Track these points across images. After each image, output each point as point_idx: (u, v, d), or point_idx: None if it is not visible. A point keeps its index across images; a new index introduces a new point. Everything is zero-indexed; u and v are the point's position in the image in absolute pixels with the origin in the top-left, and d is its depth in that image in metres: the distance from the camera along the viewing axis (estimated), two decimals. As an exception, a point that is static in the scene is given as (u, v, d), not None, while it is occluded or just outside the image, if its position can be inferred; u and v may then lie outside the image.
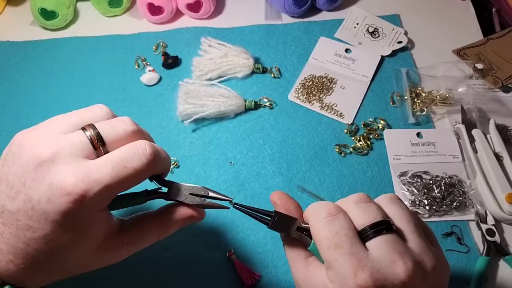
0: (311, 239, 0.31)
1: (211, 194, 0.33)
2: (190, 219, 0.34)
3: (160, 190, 0.33)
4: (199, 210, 0.34)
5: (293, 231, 0.32)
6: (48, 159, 0.28)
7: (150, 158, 0.30)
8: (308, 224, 0.31)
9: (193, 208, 0.33)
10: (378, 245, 0.28)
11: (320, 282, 0.29)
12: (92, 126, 0.30)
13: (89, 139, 0.29)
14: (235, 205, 0.33)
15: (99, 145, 0.29)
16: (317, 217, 0.30)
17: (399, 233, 0.29)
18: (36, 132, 0.30)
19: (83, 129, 0.30)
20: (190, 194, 0.33)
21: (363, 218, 0.29)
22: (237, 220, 0.49)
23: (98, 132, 0.30)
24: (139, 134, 0.32)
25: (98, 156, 0.29)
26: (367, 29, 0.66)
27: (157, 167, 0.31)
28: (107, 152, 0.30)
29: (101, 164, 0.28)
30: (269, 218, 0.32)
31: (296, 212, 0.34)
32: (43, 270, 0.30)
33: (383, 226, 0.29)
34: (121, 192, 0.30)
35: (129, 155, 0.29)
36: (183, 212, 0.33)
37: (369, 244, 0.28)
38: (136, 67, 0.63)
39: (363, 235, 0.29)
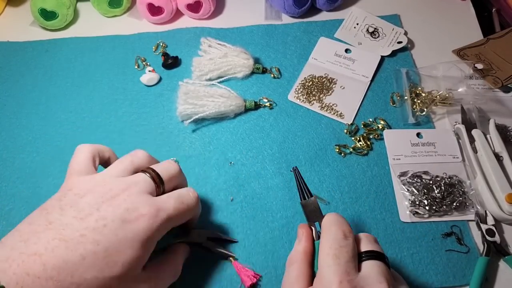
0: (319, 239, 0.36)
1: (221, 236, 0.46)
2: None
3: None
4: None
5: (313, 223, 0.38)
6: (122, 193, 0.34)
7: (197, 200, 0.39)
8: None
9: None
10: (371, 266, 0.33)
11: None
12: (151, 168, 0.37)
13: (151, 178, 0.36)
14: (294, 171, 0.42)
15: (159, 182, 0.37)
16: (332, 228, 0.35)
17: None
18: (95, 178, 0.36)
19: (144, 171, 0.37)
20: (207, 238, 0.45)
21: (366, 245, 0.34)
22: (237, 220, 0.49)
23: (157, 172, 0.37)
24: (181, 173, 0.41)
25: (158, 192, 0.37)
26: (367, 29, 0.66)
27: (197, 210, 0.40)
28: (164, 189, 0.37)
29: (165, 198, 0.36)
30: (307, 197, 0.39)
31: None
32: None
33: (380, 255, 0.34)
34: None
35: (183, 195, 0.37)
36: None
37: (364, 264, 0.33)
38: (136, 67, 0.63)
39: (363, 256, 0.34)
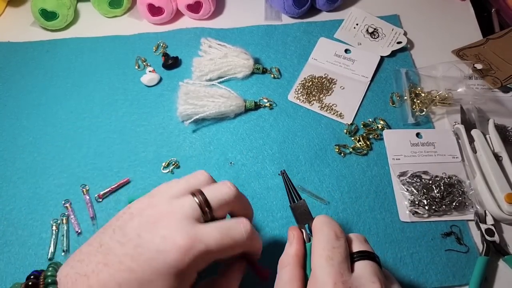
0: (310, 241, 0.36)
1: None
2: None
3: None
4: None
5: (303, 225, 0.38)
6: (165, 217, 0.32)
7: (249, 234, 0.34)
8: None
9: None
10: (364, 266, 0.33)
11: None
12: (199, 191, 0.34)
13: (198, 203, 0.33)
14: (283, 174, 0.42)
15: (206, 210, 0.34)
16: (324, 230, 0.35)
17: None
18: (154, 197, 0.35)
19: (193, 194, 0.34)
20: None
21: (358, 246, 0.35)
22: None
23: (206, 197, 0.34)
24: (239, 198, 0.36)
25: (205, 219, 0.33)
26: (367, 30, 0.66)
27: (250, 245, 0.35)
28: (213, 215, 0.34)
29: (209, 228, 0.32)
30: (297, 200, 0.40)
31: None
32: None
33: (372, 255, 0.34)
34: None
35: (231, 227, 0.34)
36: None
37: (357, 264, 0.33)
38: (137, 67, 0.64)
39: (354, 257, 0.34)
